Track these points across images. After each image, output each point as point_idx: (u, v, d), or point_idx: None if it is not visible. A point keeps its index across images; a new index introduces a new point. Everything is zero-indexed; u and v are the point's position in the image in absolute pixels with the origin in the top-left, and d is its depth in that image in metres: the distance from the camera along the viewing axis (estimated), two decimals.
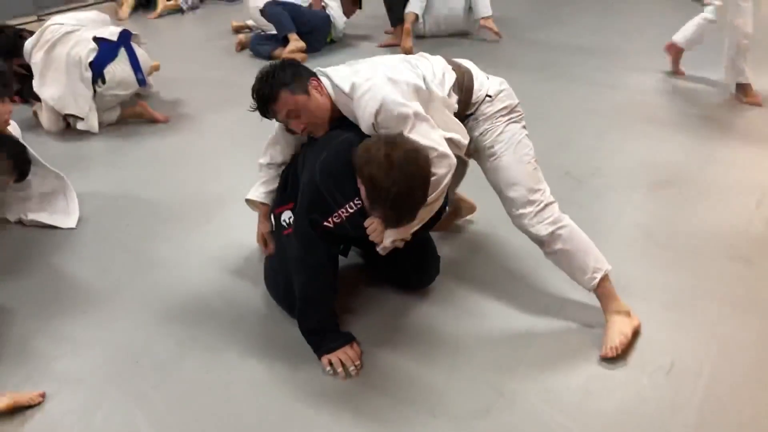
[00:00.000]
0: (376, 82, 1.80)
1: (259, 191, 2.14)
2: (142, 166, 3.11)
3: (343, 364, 1.84)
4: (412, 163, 1.65)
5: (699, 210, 2.65)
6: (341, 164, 1.74)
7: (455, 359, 1.89)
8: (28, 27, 4.88)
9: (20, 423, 1.70)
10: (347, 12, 5.09)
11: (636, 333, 1.94)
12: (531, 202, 2.00)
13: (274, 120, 1.98)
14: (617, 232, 2.50)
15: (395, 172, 1.62)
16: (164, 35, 5.40)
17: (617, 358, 1.87)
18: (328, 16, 4.82)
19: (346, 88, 1.84)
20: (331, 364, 1.85)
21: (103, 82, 3.39)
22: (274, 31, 4.68)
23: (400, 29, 5.07)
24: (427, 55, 2.08)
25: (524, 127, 2.10)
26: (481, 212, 2.61)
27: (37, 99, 3.49)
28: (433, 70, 1.96)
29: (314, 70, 1.97)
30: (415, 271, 2.15)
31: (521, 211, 2.00)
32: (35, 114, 3.56)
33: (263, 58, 4.59)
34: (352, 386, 1.81)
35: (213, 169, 3.05)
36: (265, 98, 1.90)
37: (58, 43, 3.35)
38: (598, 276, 1.96)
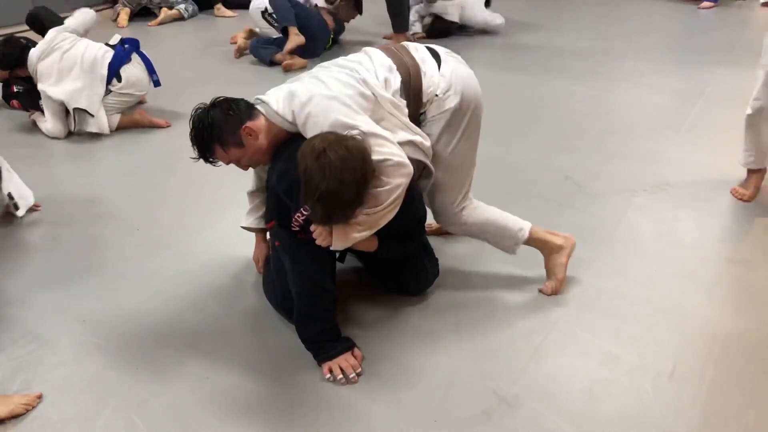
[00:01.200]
0: (315, 106, 1.76)
1: (250, 219, 2.21)
2: (142, 173, 3.11)
3: (343, 371, 1.83)
4: (346, 161, 1.62)
5: (700, 213, 2.64)
6: (294, 168, 1.70)
7: (456, 364, 1.88)
8: (24, 35, 4.91)
9: (21, 431, 1.70)
10: (347, 17, 5.11)
11: (571, 252, 2.15)
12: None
13: None
14: (617, 237, 2.49)
15: (327, 169, 1.60)
16: (165, 43, 5.40)
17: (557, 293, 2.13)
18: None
19: (288, 117, 1.82)
20: (331, 371, 1.84)
21: (119, 81, 3.48)
22: (275, 35, 4.68)
23: (401, 35, 5.09)
24: (371, 52, 1.98)
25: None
26: None
27: (36, 108, 3.51)
28: (376, 72, 1.89)
29: (254, 99, 1.92)
30: (413, 277, 2.13)
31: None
32: (34, 123, 3.57)
33: (264, 63, 4.61)
34: (352, 393, 1.80)
35: (214, 176, 3.03)
36: (203, 152, 1.89)
37: (72, 47, 3.42)
38: (524, 232, 2.13)
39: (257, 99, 1.91)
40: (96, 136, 3.46)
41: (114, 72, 3.46)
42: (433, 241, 2.30)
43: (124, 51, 3.53)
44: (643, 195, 2.79)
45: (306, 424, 1.70)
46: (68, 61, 3.39)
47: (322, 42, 4.80)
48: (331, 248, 1.78)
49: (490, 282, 2.24)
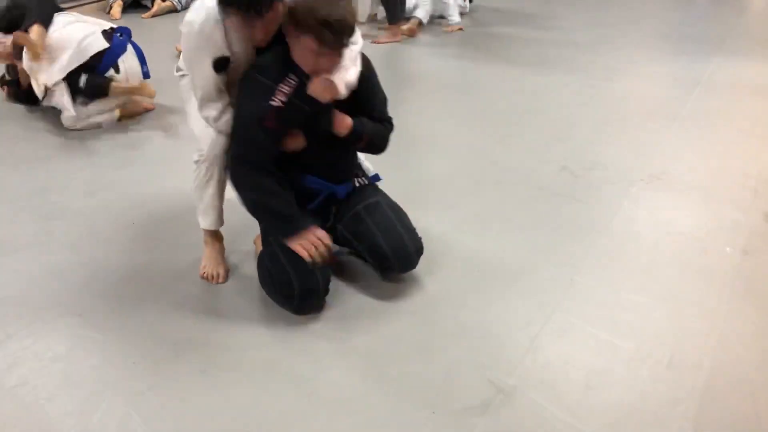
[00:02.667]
0: None
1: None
2: (140, 166, 3.09)
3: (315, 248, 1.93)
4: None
5: (697, 202, 2.64)
6: (266, 60, 1.86)
7: (454, 355, 1.88)
8: None
9: (19, 428, 1.69)
10: None
11: None
12: None
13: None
14: (614, 226, 2.49)
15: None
16: (158, 34, 5.37)
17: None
18: None
19: None
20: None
21: (117, 71, 3.46)
22: None
23: (395, 26, 5.07)
24: None
25: None
26: (478, 206, 2.61)
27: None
28: None
29: None
30: (392, 250, 2.08)
31: None
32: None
33: None
34: (350, 384, 1.79)
35: None
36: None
37: (69, 26, 3.41)
38: None
39: None
40: (92, 130, 3.45)
41: (113, 62, 3.43)
42: (430, 231, 2.30)
43: (120, 40, 3.49)
44: (640, 184, 2.79)
45: (304, 419, 1.70)
46: (64, 39, 3.35)
47: None
48: (339, 91, 1.87)
49: (487, 273, 2.23)
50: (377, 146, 2.11)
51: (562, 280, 2.17)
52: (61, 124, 3.42)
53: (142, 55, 3.61)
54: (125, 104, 3.58)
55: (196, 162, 2.11)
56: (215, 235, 2.26)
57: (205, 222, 2.21)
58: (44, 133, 3.44)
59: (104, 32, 3.46)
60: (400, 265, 2.13)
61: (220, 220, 2.22)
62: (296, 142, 1.98)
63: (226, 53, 1.90)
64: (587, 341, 1.92)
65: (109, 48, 3.42)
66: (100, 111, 3.48)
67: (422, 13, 5.37)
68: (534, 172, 2.91)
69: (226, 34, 1.87)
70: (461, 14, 5.60)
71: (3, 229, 2.55)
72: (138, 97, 3.60)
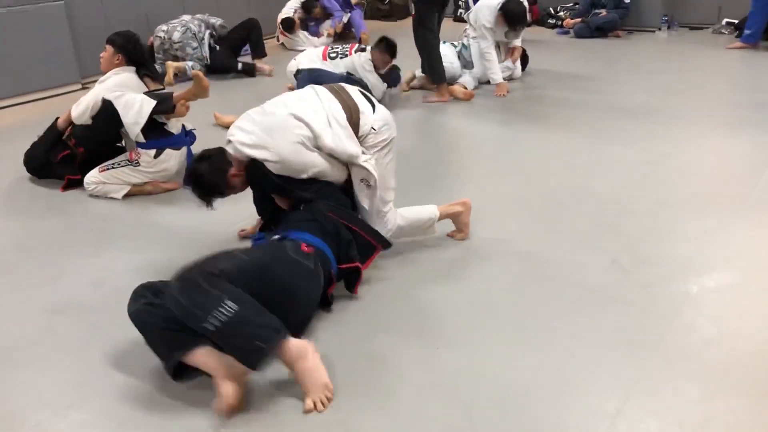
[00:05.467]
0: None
1: None
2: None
3: None
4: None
5: None
6: None
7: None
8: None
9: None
10: (381, 64, 4.80)
11: (469, 211, 2.79)
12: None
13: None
14: (672, 339, 2.14)
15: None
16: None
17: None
18: (352, 82, 4.65)
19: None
20: None
21: (155, 156, 3.39)
22: None
23: (443, 87, 4.96)
24: (318, 90, 2.54)
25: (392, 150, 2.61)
26: (517, 309, 2.32)
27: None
28: (325, 108, 2.45)
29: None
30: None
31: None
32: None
33: None
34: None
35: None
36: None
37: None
38: (435, 217, 2.72)
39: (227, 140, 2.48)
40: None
41: (158, 145, 3.40)
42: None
43: (178, 137, 3.49)
44: (703, 285, 2.43)
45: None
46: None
47: None
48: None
49: (519, 400, 1.92)
50: None
51: (606, 413, 1.84)
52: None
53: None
54: (144, 185, 3.49)
55: None
56: None
57: None
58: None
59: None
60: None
61: None
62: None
63: None
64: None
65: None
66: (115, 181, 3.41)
67: (467, 80, 5.22)
68: (581, 266, 2.60)
69: None
70: (510, 78, 5.40)
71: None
72: (161, 183, 3.52)
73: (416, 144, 4.15)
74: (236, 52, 6.29)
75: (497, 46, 5.22)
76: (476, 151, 4.07)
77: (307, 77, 4.50)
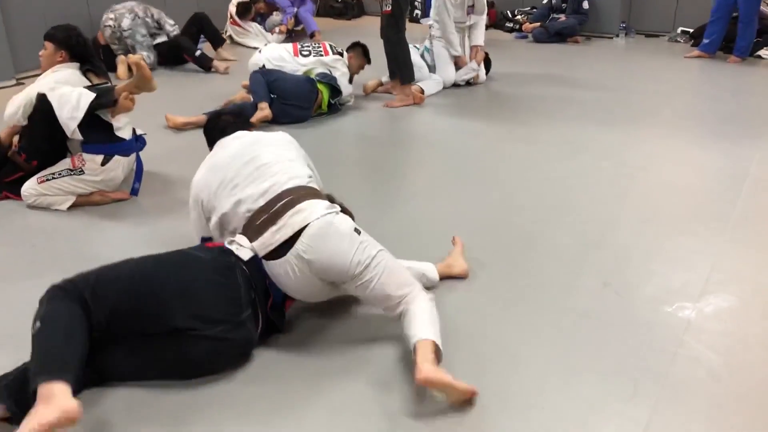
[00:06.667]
0: None
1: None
2: None
3: None
4: None
5: None
6: None
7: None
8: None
9: None
10: (357, 67, 4.85)
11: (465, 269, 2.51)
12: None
13: None
14: (675, 373, 2.00)
15: None
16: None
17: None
18: (313, 85, 4.43)
19: None
20: None
21: (102, 164, 3.07)
22: None
23: (407, 87, 4.82)
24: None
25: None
26: (507, 339, 2.14)
27: None
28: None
29: None
30: None
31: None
32: None
33: None
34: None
35: None
36: None
37: None
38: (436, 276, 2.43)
39: None
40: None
41: (108, 151, 3.08)
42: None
43: (128, 143, 3.16)
44: (701, 311, 2.31)
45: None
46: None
47: (306, 105, 4.43)
48: None
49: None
50: None
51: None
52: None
53: (141, 171, 3.29)
54: (90, 195, 3.16)
55: None
56: None
57: None
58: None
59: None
60: None
61: None
62: None
63: None
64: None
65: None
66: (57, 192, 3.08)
67: (428, 84, 5.13)
68: (571, 290, 2.44)
69: None
70: (475, 82, 5.31)
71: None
72: (109, 193, 3.20)
73: (384, 157, 3.98)
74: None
75: (461, 32, 5.31)
76: (447, 163, 3.87)
77: (262, 79, 4.34)
